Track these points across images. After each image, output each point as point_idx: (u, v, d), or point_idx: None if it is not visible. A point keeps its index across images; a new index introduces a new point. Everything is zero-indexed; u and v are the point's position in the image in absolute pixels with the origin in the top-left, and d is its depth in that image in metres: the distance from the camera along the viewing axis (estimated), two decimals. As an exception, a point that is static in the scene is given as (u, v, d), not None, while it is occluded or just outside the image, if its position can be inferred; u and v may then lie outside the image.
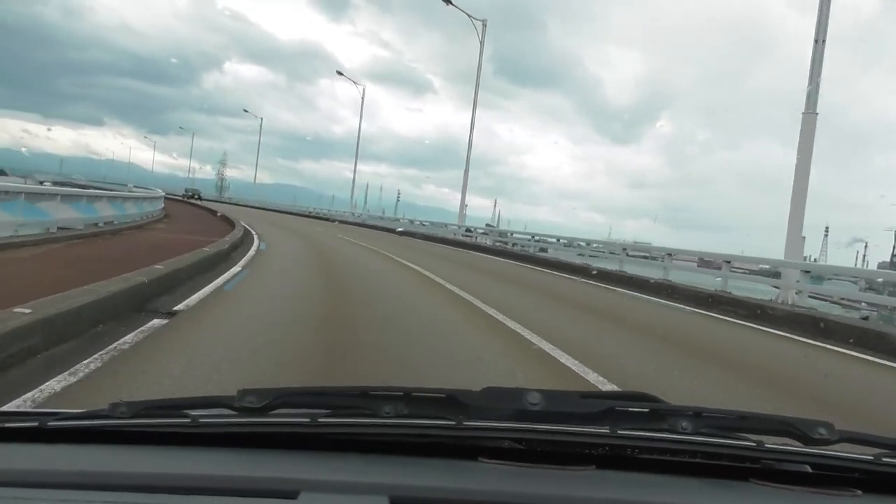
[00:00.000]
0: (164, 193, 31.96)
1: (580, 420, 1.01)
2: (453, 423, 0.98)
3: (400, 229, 38.62)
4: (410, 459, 0.99)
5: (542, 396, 1.01)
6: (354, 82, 45.93)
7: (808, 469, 1.03)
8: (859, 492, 1.00)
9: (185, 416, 1.03)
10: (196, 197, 65.75)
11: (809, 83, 13.06)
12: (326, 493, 0.87)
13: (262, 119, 73.96)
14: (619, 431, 1.00)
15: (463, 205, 30.27)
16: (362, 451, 1.00)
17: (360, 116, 51.12)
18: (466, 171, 31.46)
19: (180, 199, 56.28)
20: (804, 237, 13.53)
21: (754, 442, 1.01)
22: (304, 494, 0.86)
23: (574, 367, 4.97)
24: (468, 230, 32.08)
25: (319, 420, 1.00)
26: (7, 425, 1.06)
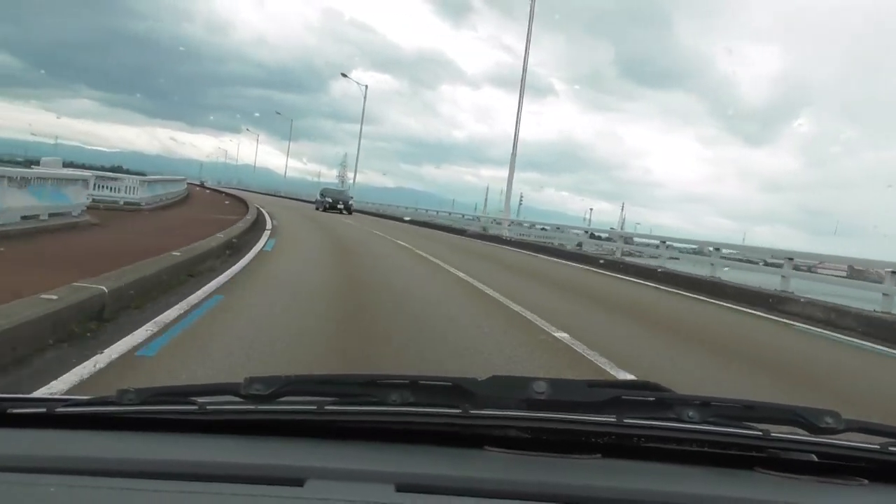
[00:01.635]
0: (84, 174, 17.35)
1: (586, 409, 1.00)
2: (459, 411, 0.98)
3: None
4: (416, 447, 0.99)
5: (548, 385, 1.00)
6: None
7: (815, 458, 1.02)
8: (865, 481, 0.99)
9: (193, 403, 1.02)
10: (342, 206, 37.29)
11: None
12: (333, 480, 0.87)
13: (366, 87, 53.10)
14: (625, 420, 0.99)
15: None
16: (368, 440, 0.99)
17: (528, 33, 27.54)
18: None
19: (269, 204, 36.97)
20: None
21: (760, 431, 1.00)
22: (311, 482, 0.85)
23: None
24: (592, 235, 27.00)
25: (326, 408, 1.00)
26: (15, 411, 1.06)
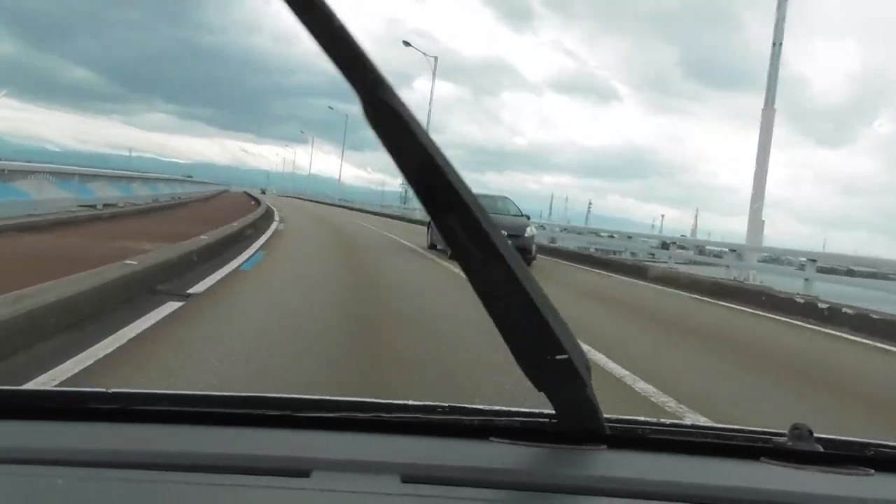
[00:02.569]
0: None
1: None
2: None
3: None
4: (422, 439, 0.98)
5: None
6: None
7: (820, 448, 0.99)
8: (872, 471, 0.97)
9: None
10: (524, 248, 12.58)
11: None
12: (339, 471, 0.85)
13: (435, 58, 39.06)
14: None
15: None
16: (374, 431, 0.97)
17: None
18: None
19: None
20: None
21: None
22: (317, 473, 0.84)
23: None
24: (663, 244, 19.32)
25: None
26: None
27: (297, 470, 0.83)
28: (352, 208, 54.82)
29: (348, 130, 73.19)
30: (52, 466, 0.81)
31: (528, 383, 0.83)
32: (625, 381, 4.40)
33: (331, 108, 73.09)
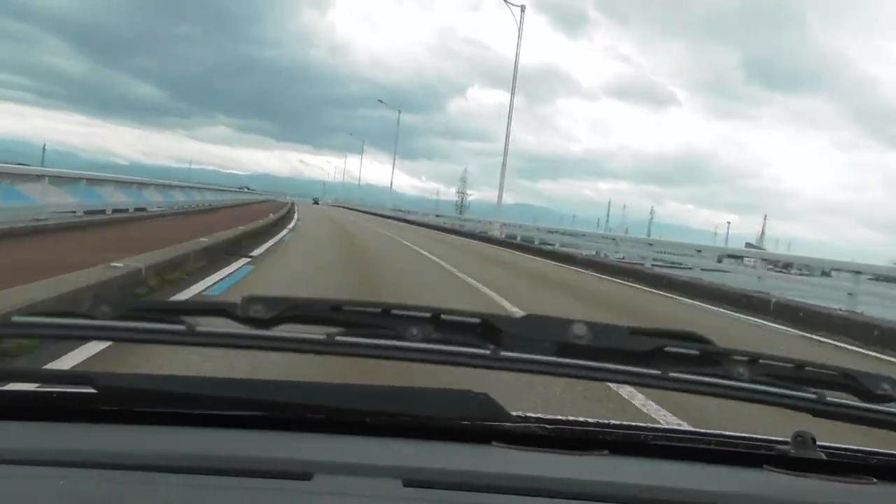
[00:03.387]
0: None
1: (627, 358, 0.91)
2: (488, 352, 0.90)
3: None
4: (424, 443, 0.98)
5: (588, 329, 0.91)
6: None
7: (823, 457, 0.99)
8: (875, 479, 0.96)
9: (181, 322, 0.92)
10: None
11: None
12: (341, 475, 0.85)
13: (522, 7, 31.33)
14: (670, 374, 0.90)
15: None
16: (376, 434, 0.98)
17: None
18: None
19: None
20: None
21: (814, 394, 0.92)
22: (319, 476, 0.84)
23: None
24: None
25: (337, 339, 0.89)
26: None
27: (299, 473, 0.83)
28: (408, 221, 42.46)
29: (401, 140, 69.47)
30: (53, 467, 0.81)
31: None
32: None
33: (381, 101, 69.10)
